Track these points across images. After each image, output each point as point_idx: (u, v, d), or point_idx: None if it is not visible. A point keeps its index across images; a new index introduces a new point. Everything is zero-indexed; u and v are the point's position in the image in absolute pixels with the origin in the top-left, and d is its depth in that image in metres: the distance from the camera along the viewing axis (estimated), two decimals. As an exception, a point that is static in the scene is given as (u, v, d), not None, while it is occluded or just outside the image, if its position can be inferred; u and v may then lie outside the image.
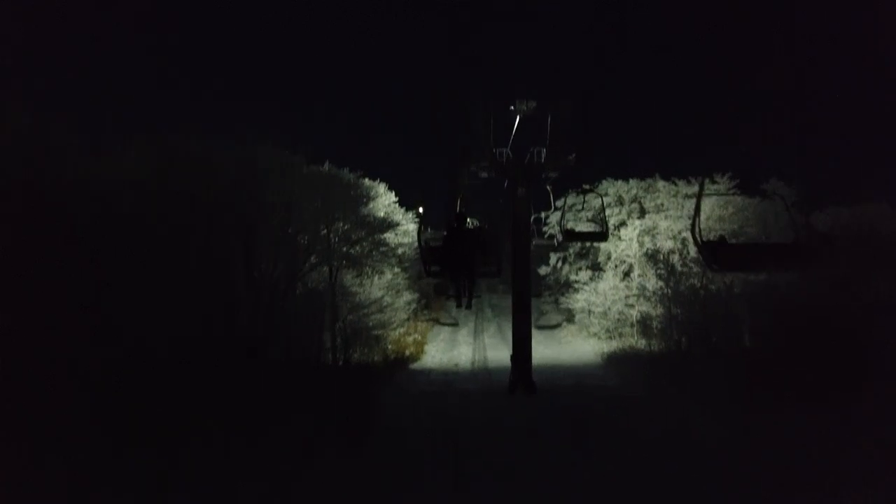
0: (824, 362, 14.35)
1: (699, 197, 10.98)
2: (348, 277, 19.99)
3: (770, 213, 20.12)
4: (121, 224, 11.74)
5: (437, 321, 32.26)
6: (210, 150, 14.06)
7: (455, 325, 31.57)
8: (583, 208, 24.48)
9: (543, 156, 15.46)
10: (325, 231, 17.26)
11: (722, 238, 11.11)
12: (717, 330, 16.68)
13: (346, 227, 16.79)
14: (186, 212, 13.17)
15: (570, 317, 27.20)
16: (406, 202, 25.29)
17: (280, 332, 15.26)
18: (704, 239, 10.64)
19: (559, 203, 17.35)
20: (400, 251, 23.26)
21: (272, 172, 14.34)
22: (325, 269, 18.05)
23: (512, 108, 15.28)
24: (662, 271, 18.17)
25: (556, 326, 27.99)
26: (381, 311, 19.74)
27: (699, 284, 16.72)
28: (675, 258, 18.42)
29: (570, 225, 31.50)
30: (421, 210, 24.21)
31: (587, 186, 16.95)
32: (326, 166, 18.91)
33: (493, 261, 11.54)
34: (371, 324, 19.93)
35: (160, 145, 13.61)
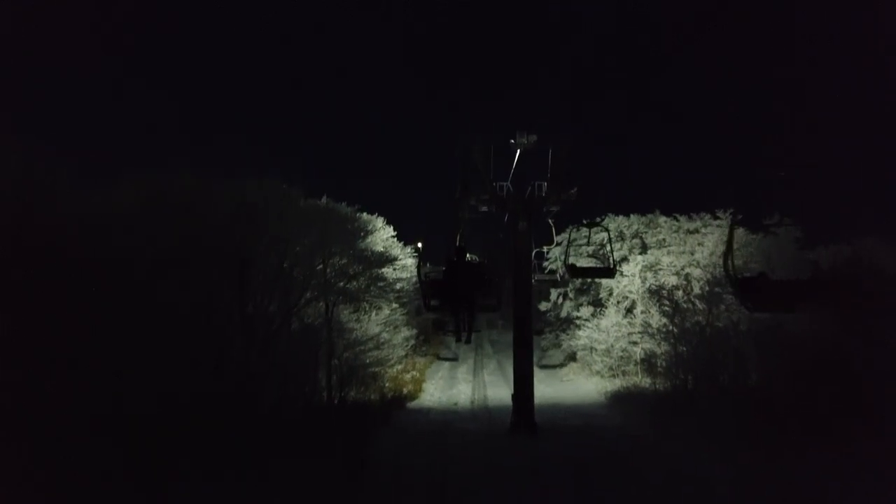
0: (833, 401, 14.11)
1: (730, 233, 9.70)
2: (345, 313, 19.57)
3: (774, 247, 19.83)
4: (107, 262, 11.43)
5: (436, 357, 31.69)
6: (203, 184, 13.81)
7: (454, 361, 31.01)
8: (588, 242, 24.12)
9: (544, 190, 15.23)
10: (321, 266, 16.91)
11: (762, 274, 9.85)
12: (723, 368, 16.19)
13: (342, 262, 16.42)
14: (177, 248, 12.86)
15: (571, 354, 26.63)
16: (405, 237, 25.08)
17: (274, 371, 14.77)
18: (740, 275, 9.29)
19: (561, 237, 17.11)
20: (398, 286, 22.86)
21: (267, 205, 14.02)
22: (322, 304, 17.64)
23: (512, 141, 15.12)
24: (667, 308, 17.74)
25: (561, 365, 27.30)
26: (378, 347, 19.25)
27: (705, 321, 16.28)
28: (680, 294, 18.01)
29: (571, 260, 31.39)
30: (420, 245, 23.98)
31: (590, 221, 16.51)
32: (324, 200, 18.70)
33: (492, 294, 11.34)
34: (368, 361, 19.42)
35: (151, 181, 13.37)
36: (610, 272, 15.69)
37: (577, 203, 15.19)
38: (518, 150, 15.22)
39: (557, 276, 23.47)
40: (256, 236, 14.24)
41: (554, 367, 26.92)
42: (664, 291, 18.58)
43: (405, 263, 24.18)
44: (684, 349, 16.44)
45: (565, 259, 15.87)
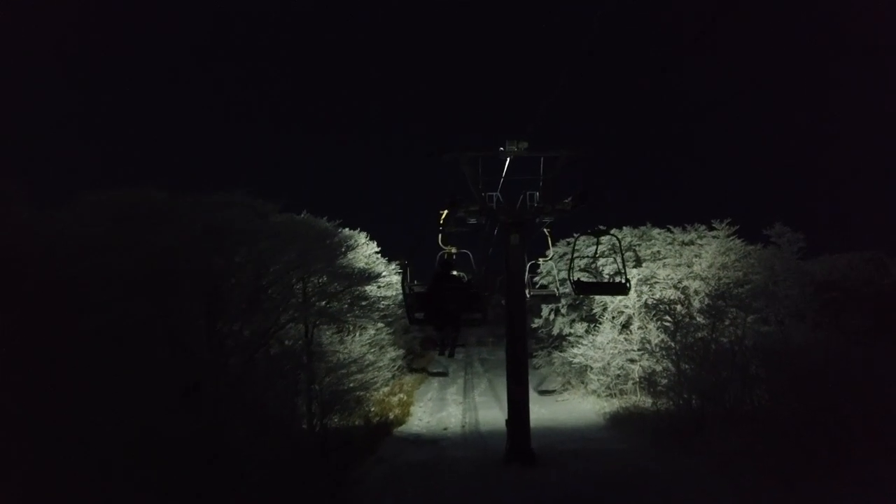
0: (847, 422, 13.50)
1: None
2: (328, 334, 18.43)
3: (777, 259, 19.02)
4: (59, 288, 10.35)
5: (424, 378, 30.54)
6: (170, 202, 12.72)
7: (444, 382, 29.86)
8: (579, 255, 22.80)
9: (537, 200, 14.27)
10: (299, 285, 15.81)
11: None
12: (729, 387, 15.22)
13: (322, 280, 15.31)
14: (140, 271, 11.75)
15: (566, 373, 25.54)
16: (390, 253, 24.04)
17: (248, 400, 13.59)
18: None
19: (561, 248, 15.97)
20: (383, 305, 21.76)
21: (239, 221, 12.93)
22: (301, 326, 16.51)
23: (502, 149, 14.17)
24: (668, 323, 16.77)
25: (560, 391, 25.76)
26: (362, 371, 18.07)
27: (709, 337, 15.33)
28: (679, 309, 17.07)
29: (563, 274, 30.40)
30: (407, 263, 22.85)
31: (597, 229, 15.29)
32: (304, 215, 17.63)
33: (478, 308, 10.83)
34: (352, 385, 18.21)
35: (111, 200, 12.28)
36: (622, 288, 13.91)
37: (573, 213, 14.18)
38: (508, 159, 14.25)
39: (554, 291, 22.28)
40: (229, 255, 13.14)
41: (552, 392, 25.37)
42: (662, 306, 17.61)
43: (390, 281, 23.13)
44: (687, 367, 15.45)
45: (569, 274, 14.29)
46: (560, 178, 14.42)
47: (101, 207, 12.37)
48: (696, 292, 18.81)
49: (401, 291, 24.46)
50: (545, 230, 14.98)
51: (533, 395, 20.08)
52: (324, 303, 15.91)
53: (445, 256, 14.73)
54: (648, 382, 18.26)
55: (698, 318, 15.93)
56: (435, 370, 31.50)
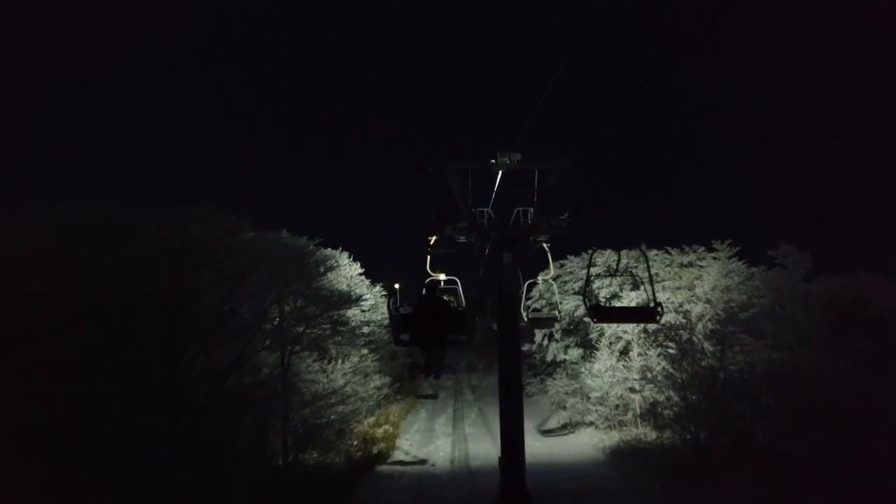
0: (863, 453, 12.72)
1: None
2: (308, 361, 17.11)
3: (783, 280, 17.96)
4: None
5: (412, 407, 29.09)
6: (128, 216, 11.55)
7: (432, 412, 28.40)
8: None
9: (531, 216, 13.18)
10: (275, 309, 14.59)
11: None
12: (739, 419, 14.06)
13: (300, 304, 14.08)
14: (92, 293, 10.52)
15: (559, 401, 24.21)
16: (376, 274, 22.89)
17: (213, 438, 12.27)
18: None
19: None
20: (367, 330, 20.51)
21: (206, 238, 11.73)
22: (277, 354, 15.23)
23: (493, 161, 13.11)
24: (674, 350, 15.61)
25: (568, 431, 22.45)
26: (343, 402, 16.71)
27: (718, 366, 14.17)
28: (683, 335, 15.93)
29: (556, 298, 29.21)
30: (397, 286, 21.74)
31: (619, 238, 13.11)
32: (283, 234, 16.45)
33: (464, 330, 10.46)
34: (332, 417, 16.87)
35: (63, 213, 11.10)
36: (651, 314, 10.64)
37: (571, 230, 13.09)
38: (500, 171, 13.19)
39: (554, 314, 21.07)
40: (192, 275, 11.91)
41: (553, 431, 23.20)
42: (669, 332, 16.44)
43: (375, 304, 21.89)
44: (695, 397, 14.25)
45: (584, 295, 11.98)
46: (556, 191, 13.38)
47: (49, 223, 11.18)
48: (700, 316, 17.69)
49: (386, 315, 23.31)
50: (545, 246, 13.81)
51: (528, 426, 18.82)
52: (301, 328, 14.67)
53: (433, 280, 14.00)
54: (652, 414, 17.01)
55: (705, 345, 14.75)
56: (422, 405, 30.06)
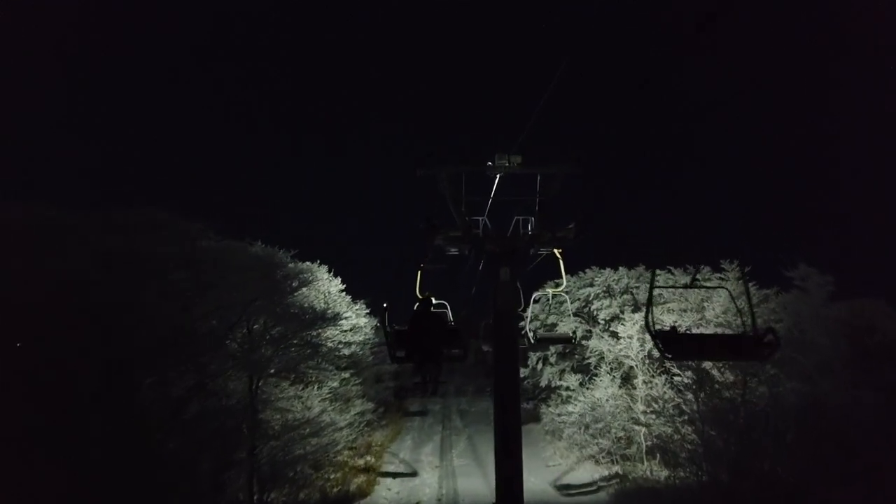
0: None
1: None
2: (283, 385, 15.39)
3: (804, 304, 16.46)
4: None
5: (396, 435, 27.25)
6: (63, 220, 9.91)
7: (418, 440, 26.55)
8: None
9: (532, 226, 11.63)
10: (242, 328, 12.92)
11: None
12: (764, 459, 12.46)
13: (268, 323, 12.42)
14: (21, 306, 8.86)
15: (554, 431, 22.51)
16: (360, 291, 21.30)
17: (164, 483, 10.51)
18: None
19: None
20: (347, 352, 18.83)
21: (159, 246, 10.09)
22: (245, 378, 13.52)
23: (490, 163, 11.59)
24: (685, 379, 14.03)
25: (595, 488, 17.33)
26: (317, 434, 14.92)
27: (739, 399, 12.61)
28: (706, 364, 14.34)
29: (551, 320, 27.59)
30: (385, 305, 20.08)
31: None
32: (259, 246, 14.82)
33: (458, 344, 10.14)
34: (305, 450, 15.11)
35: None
36: (758, 346, 7.14)
37: (577, 241, 11.52)
38: (498, 176, 11.65)
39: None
40: (141, 288, 10.25)
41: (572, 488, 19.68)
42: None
43: (357, 324, 20.23)
44: (713, 433, 12.64)
45: (647, 322, 7.46)
46: (559, 199, 11.85)
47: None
48: (712, 341, 16.16)
49: (371, 335, 21.56)
50: (556, 253, 12.11)
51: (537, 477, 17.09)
52: (271, 350, 12.99)
53: (425, 295, 12.68)
54: (660, 449, 15.36)
55: (726, 375, 13.19)
56: (408, 432, 28.23)
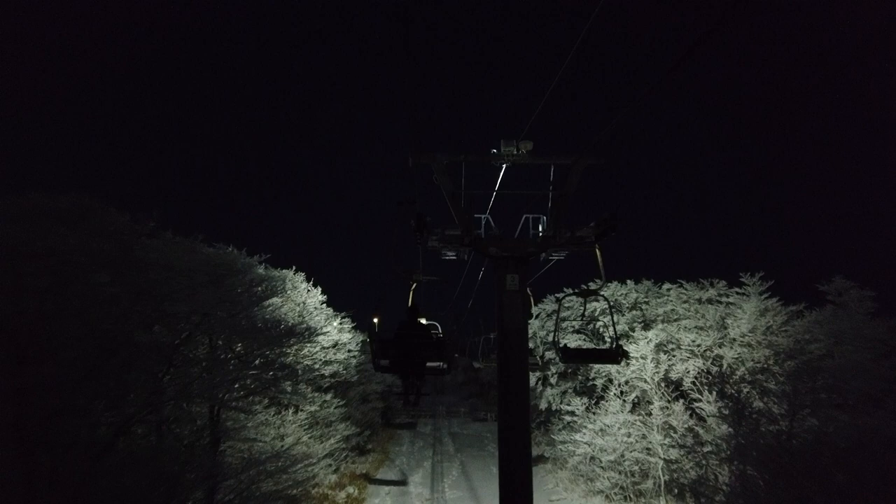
0: None
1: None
2: (258, 408, 13.34)
3: (843, 321, 14.58)
4: None
5: (383, 461, 25.07)
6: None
7: (406, 465, 24.40)
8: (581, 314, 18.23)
9: (544, 225, 9.76)
10: (205, 345, 10.92)
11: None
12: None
13: (229, 339, 10.40)
14: None
15: (555, 458, 20.49)
16: (346, 304, 19.32)
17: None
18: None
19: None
20: (329, 371, 16.79)
21: (66, 239, 8.09)
22: (202, 406, 11.47)
23: (495, 151, 9.76)
24: (724, 408, 12.09)
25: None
26: (285, 470, 12.77)
27: (786, 432, 10.66)
28: (744, 388, 12.43)
29: (550, 337, 25.69)
30: (376, 320, 18.23)
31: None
32: (234, 250, 12.83)
33: (442, 356, 9.27)
34: (278, 486, 13.02)
35: None
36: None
37: (600, 241, 9.63)
38: (504, 166, 9.82)
39: (536, 359, 17.54)
40: (60, 292, 8.24)
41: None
42: (725, 385, 12.89)
43: (340, 340, 18.21)
44: (753, 472, 10.69)
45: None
46: (573, 196, 9.99)
47: None
48: (742, 361, 14.30)
49: (355, 353, 19.61)
50: (596, 249, 10.07)
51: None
52: (231, 371, 10.93)
53: (411, 301, 11.23)
54: (681, 487, 13.38)
55: (773, 406, 11.23)
56: (394, 461, 26.01)
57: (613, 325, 10.53)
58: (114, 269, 7.84)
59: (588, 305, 23.42)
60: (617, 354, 10.07)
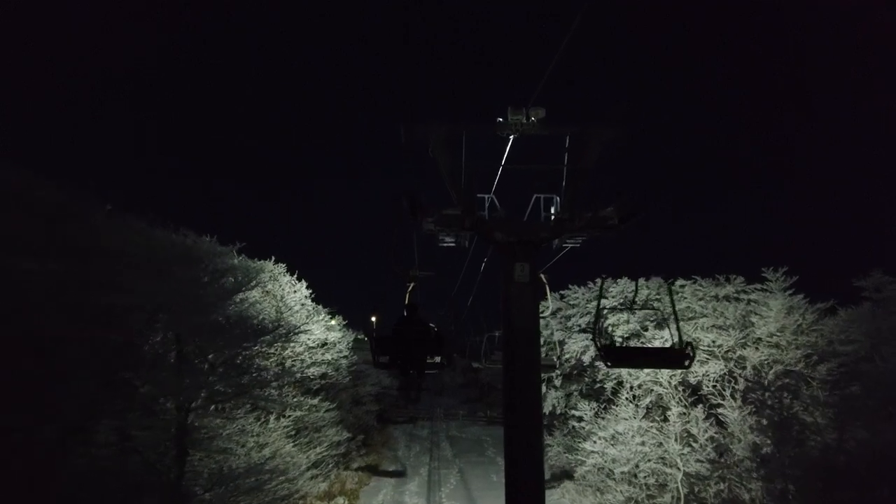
0: None
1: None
2: (236, 414, 11.97)
3: (882, 320, 13.21)
4: None
5: (377, 468, 23.68)
6: None
7: (402, 476, 22.98)
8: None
9: (558, 206, 8.39)
10: (173, 346, 9.55)
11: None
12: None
13: (189, 336, 9.01)
14: None
15: (565, 470, 19.12)
16: (345, 300, 17.93)
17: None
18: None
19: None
20: (314, 372, 15.41)
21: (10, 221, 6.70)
22: (171, 409, 10.10)
23: (500, 119, 8.37)
24: (763, 419, 10.70)
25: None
26: (262, 487, 11.33)
27: (833, 447, 9.29)
28: (785, 398, 11.05)
29: (557, 336, 24.20)
30: (374, 319, 16.95)
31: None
32: (207, 240, 11.45)
33: (440, 352, 8.87)
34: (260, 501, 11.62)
35: None
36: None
37: (622, 228, 8.25)
38: (511, 137, 8.44)
39: (552, 360, 15.97)
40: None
41: None
42: (763, 391, 11.49)
43: (328, 338, 16.82)
44: (792, 488, 9.33)
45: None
46: (592, 172, 8.62)
47: None
48: (769, 364, 12.94)
49: (345, 356, 18.46)
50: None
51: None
52: (212, 375, 9.56)
53: (408, 300, 10.12)
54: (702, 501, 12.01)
55: (816, 417, 9.86)
56: (388, 468, 24.53)
57: (676, 317, 8.48)
58: (40, 254, 6.47)
59: (589, 304, 22.11)
60: (683, 356, 8.29)
